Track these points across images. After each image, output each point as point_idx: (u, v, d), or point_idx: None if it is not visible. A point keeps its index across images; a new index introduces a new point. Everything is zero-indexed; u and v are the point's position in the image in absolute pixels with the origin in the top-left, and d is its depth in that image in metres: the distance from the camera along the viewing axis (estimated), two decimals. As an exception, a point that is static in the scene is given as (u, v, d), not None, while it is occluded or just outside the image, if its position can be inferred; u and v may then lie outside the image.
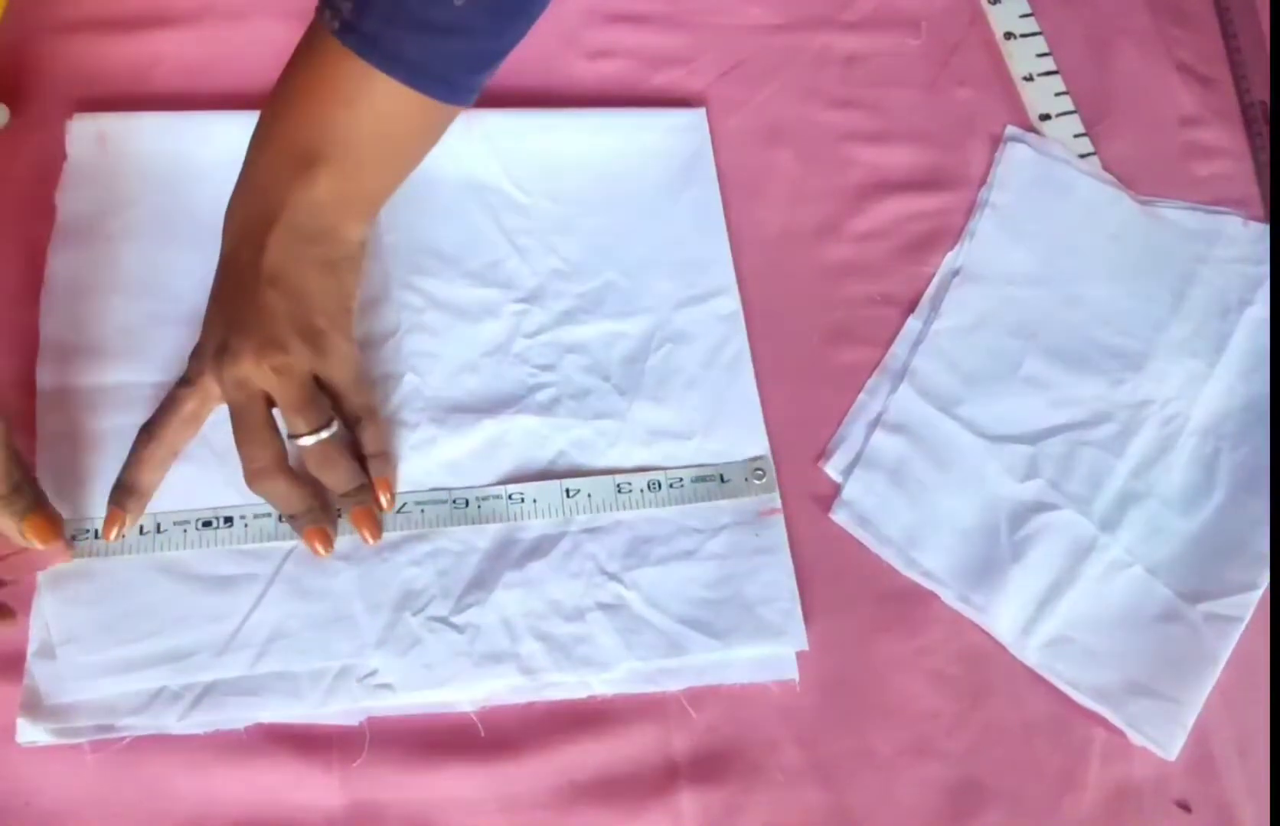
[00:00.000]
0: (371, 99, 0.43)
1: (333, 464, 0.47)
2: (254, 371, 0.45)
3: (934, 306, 0.59)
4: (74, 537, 0.46)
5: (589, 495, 0.51)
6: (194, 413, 0.47)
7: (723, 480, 0.52)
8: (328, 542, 0.47)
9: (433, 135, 0.47)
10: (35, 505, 0.44)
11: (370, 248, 0.54)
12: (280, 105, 0.45)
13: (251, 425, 0.46)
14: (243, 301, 0.45)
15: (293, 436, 0.47)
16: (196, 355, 0.47)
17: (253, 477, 0.46)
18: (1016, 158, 0.64)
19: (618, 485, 0.51)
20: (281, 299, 0.45)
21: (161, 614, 0.46)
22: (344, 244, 0.47)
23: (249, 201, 0.46)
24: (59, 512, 0.45)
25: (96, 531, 0.47)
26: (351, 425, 0.49)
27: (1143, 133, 0.67)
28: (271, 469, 0.46)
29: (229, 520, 0.48)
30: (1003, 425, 0.56)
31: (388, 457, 0.49)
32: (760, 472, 0.53)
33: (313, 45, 0.44)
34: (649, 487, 0.52)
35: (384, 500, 0.49)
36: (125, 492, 0.47)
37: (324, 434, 0.47)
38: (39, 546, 0.44)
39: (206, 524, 0.48)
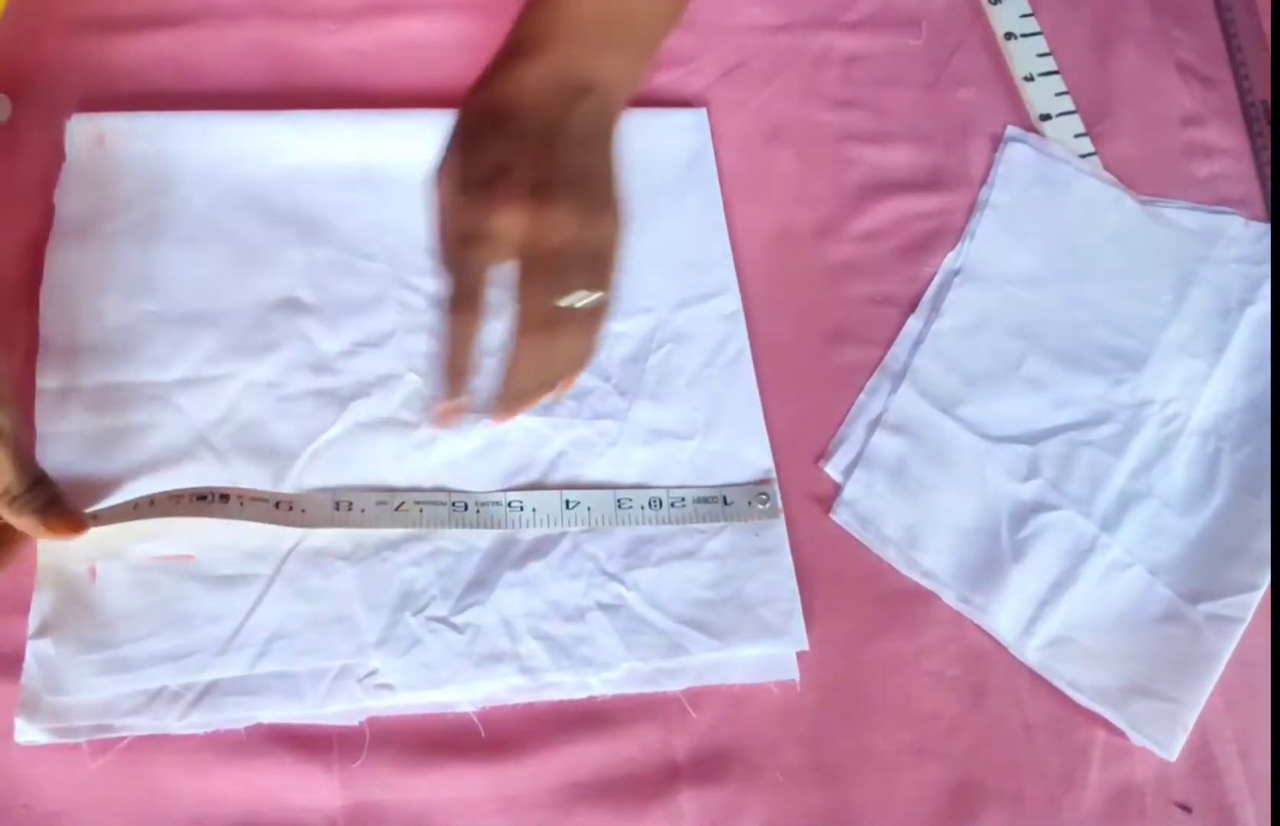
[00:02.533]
0: None
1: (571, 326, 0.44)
2: (566, 222, 0.42)
3: (934, 306, 0.59)
4: None
5: (589, 509, 0.51)
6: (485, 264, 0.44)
7: (726, 502, 0.52)
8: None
9: None
10: (55, 499, 0.44)
11: (369, 248, 0.54)
12: None
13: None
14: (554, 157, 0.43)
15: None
16: (476, 194, 0.43)
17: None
18: (1017, 158, 0.64)
19: (618, 500, 0.51)
20: (591, 162, 0.44)
21: (161, 613, 0.46)
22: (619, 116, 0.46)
23: (557, 69, 0.44)
24: (77, 506, 0.46)
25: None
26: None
27: (1144, 132, 0.66)
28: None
29: (224, 497, 0.48)
30: (1003, 425, 0.56)
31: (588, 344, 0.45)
32: (765, 498, 0.52)
33: None
34: (649, 505, 0.51)
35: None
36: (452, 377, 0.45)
37: (594, 297, 0.43)
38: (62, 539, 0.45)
39: (201, 498, 0.47)
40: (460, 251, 0.43)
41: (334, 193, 0.55)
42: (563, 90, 0.44)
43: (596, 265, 0.44)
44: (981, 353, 0.58)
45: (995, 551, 0.53)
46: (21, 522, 0.43)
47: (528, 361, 0.45)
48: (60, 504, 0.44)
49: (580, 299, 0.43)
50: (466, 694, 0.47)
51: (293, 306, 0.53)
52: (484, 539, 0.50)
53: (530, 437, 0.52)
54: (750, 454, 0.54)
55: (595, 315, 0.44)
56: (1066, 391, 0.58)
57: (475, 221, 0.43)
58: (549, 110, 0.44)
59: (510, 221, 0.42)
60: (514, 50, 0.45)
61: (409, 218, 0.55)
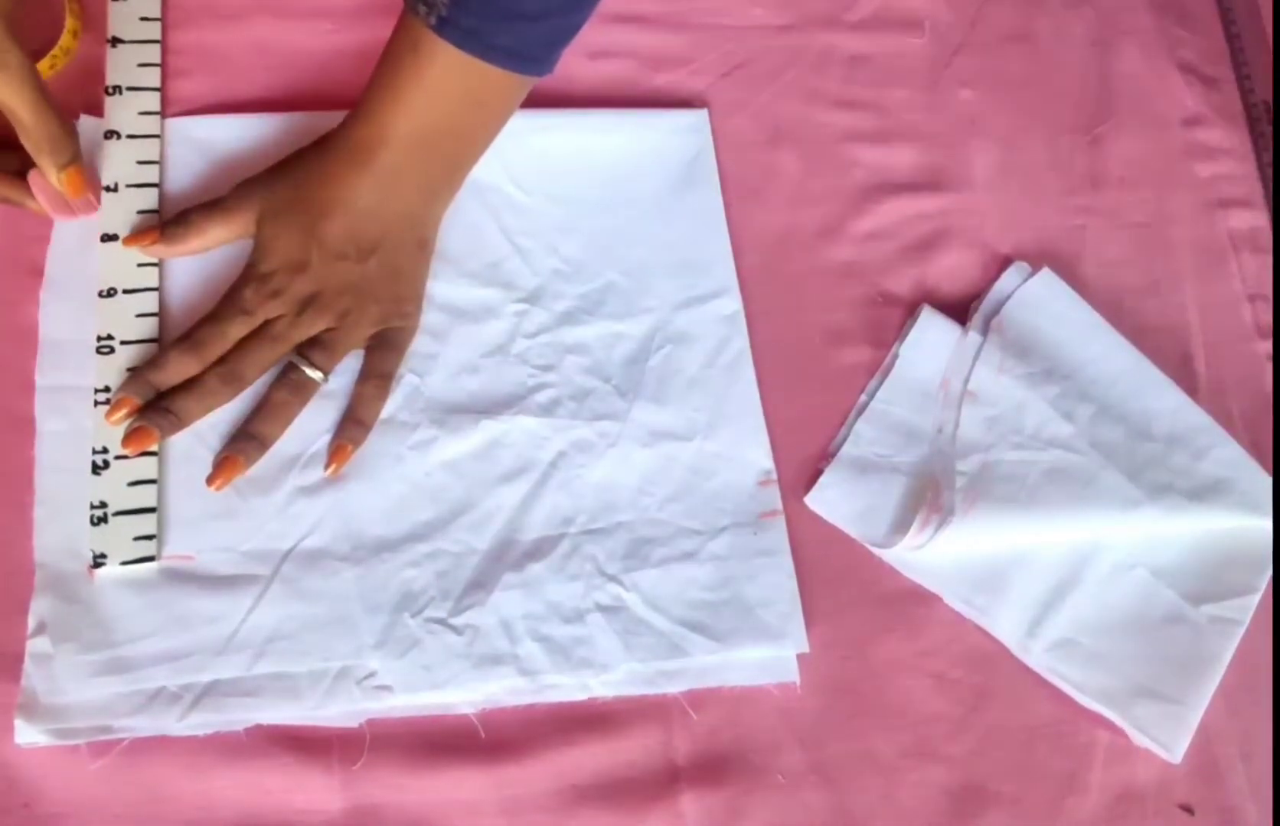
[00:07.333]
0: (468, 84, 0.47)
1: (289, 407, 0.49)
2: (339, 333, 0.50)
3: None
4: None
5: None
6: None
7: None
8: (140, 441, 0.47)
9: (517, 103, 0.51)
10: (77, 156, 0.47)
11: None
12: (383, 94, 0.48)
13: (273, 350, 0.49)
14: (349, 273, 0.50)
15: (300, 351, 0.49)
16: (261, 290, 0.49)
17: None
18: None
19: None
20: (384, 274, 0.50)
21: (159, 613, 0.46)
22: (434, 223, 0.52)
23: (384, 189, 0.49)
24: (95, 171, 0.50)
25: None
26: (358, 378, 0.51)
27: (1145, 132, 0.66)
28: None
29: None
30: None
31: (364, 427, 0.50)
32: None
33: (415, 44, 0.46)
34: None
35: (331, 469, 0.49)
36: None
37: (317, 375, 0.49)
38: (70, 198, 0.48)
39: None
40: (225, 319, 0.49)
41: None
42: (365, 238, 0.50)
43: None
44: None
45: (997, 552, 0.53)
46: (43, 167, 0.47)
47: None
48: (79, 161, 0.47)
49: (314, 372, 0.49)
50: (465, 695, 0.47)
51: (292, 307, 0.52)
52: (483, 540, 0.50)
53: (530, 439, 0.52)
54: (751, 454, 0.54)
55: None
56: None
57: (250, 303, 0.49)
58: (358, 248, 0.50)
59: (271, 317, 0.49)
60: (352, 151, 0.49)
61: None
